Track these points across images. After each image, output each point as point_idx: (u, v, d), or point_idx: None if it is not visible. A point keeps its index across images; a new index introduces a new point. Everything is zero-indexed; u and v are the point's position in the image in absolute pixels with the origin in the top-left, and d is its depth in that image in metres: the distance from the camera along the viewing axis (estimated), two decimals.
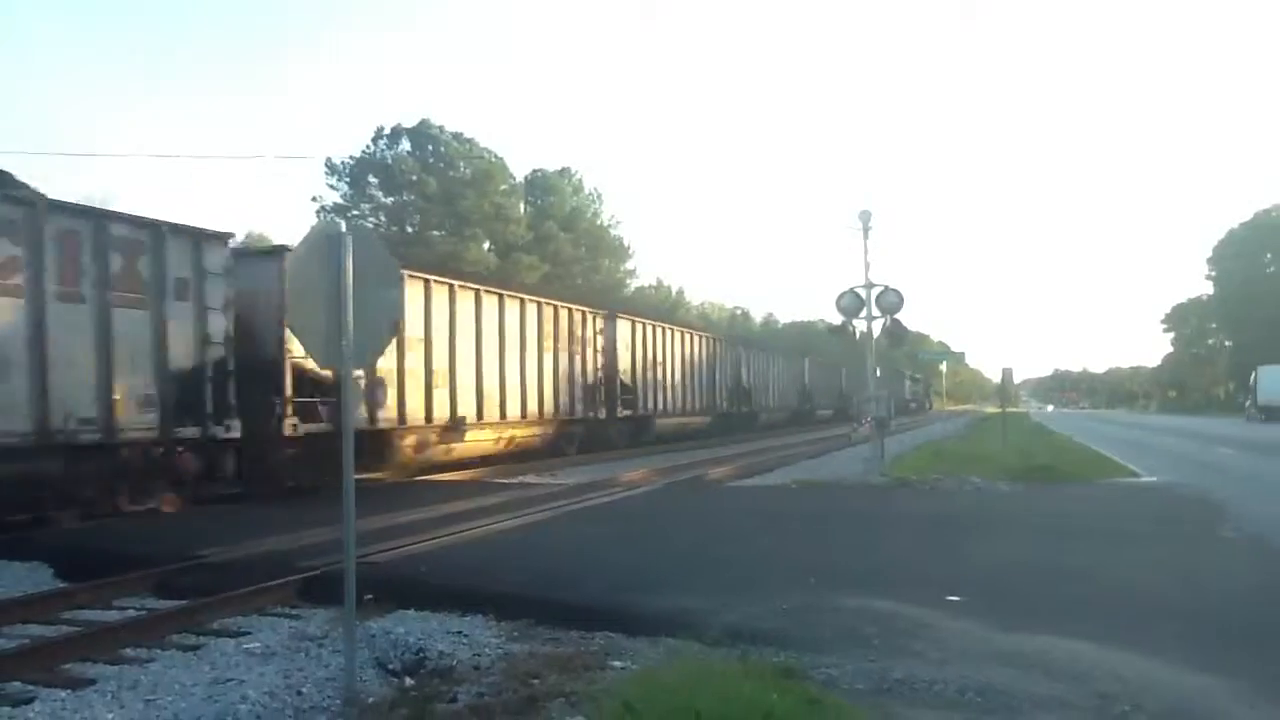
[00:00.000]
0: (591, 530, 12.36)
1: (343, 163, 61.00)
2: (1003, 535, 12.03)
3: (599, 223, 69.86)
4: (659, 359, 31.30)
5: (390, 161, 60.08)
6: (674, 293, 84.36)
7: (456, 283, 21.03)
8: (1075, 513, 14.29)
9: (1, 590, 9.61)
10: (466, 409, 20.82)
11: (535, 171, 67.74)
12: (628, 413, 28.71)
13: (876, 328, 21.46)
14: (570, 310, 26.21)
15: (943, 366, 61.70)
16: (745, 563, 9.99)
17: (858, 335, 22.41)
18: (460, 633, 7.35)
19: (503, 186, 62.41)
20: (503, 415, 22.29)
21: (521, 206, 65.21)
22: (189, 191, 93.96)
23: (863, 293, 21.10)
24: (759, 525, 12.87)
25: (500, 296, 22.63)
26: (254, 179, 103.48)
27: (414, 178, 58.89)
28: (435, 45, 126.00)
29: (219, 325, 14.61)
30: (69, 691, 6.28)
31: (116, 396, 13.12)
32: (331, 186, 61.18)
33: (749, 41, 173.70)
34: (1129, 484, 19.47)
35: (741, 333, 61.20)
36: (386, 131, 60.83)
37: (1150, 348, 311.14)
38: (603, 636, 7.25)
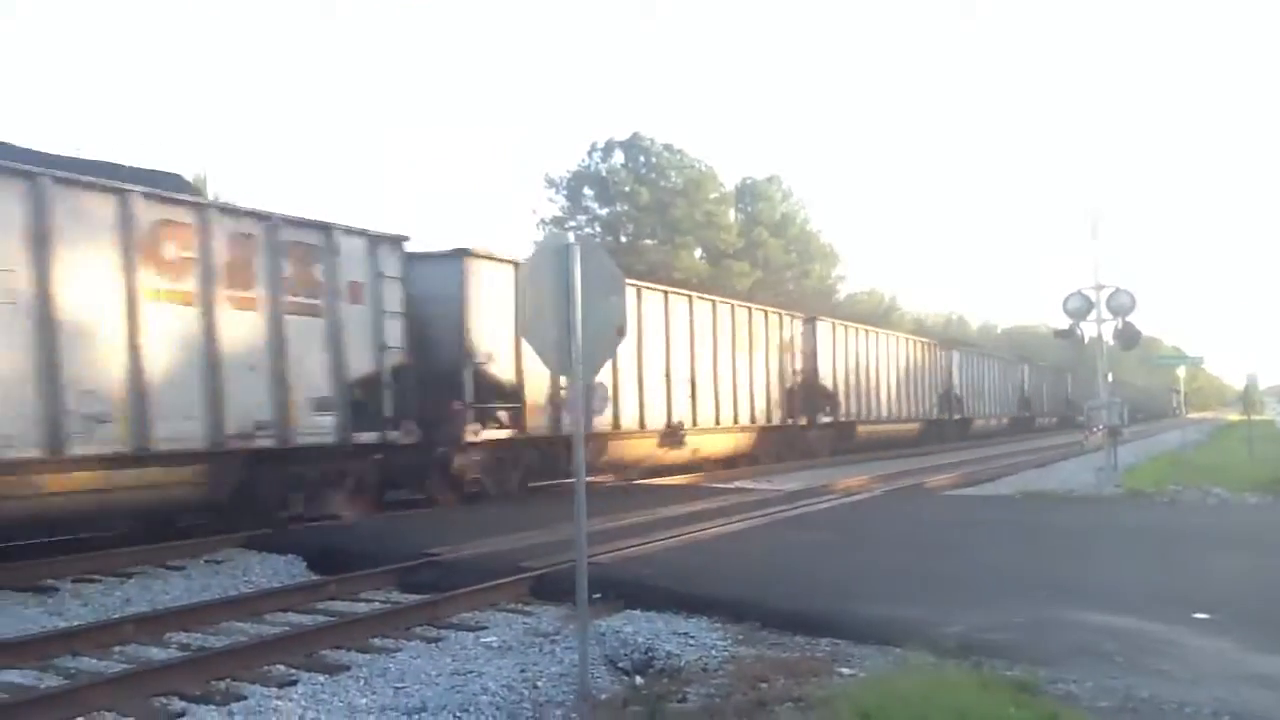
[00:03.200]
0: (811, 536, 12.29)
1: (560, 177, 62.88)
2: (1253, 551, 11.24)
3: (809, 228, 69.27)
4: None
5: (605, 174, 61.39)
6: (886, 299, 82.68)
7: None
8: None
9: (264, 580, 10.51)
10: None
11: (745, 179, 67.81)
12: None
13: (1107, 331, 20.50)
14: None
15: (1180, 372, 58.22)
16: (971, 573, 9.73)
17: (1086, 339, 21.46)
18: (686, 634, 7.47)
19: (713, 195, 62.72)
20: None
21: (731, 214, 65.32)
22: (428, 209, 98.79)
23: (1091, 294, 20.16)
24: (984, 536, 12.49)
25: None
26: (480, 194, 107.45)
27: (627, 189, 59.94)
28: (647, 60, 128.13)
29: (395, 330, 14.51)
30: (326, 676, 6.74)
31: (292, 400, 12.95)
32: (550, 200, 63.18)
33: (960, 41, 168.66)
34: None
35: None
36: (600, 145, 62.32)
37: None
38: (828, 643, 7.23)
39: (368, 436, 14.00)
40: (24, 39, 78.85)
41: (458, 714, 5.93)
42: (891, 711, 4.93)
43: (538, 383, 16.89)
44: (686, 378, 21.56)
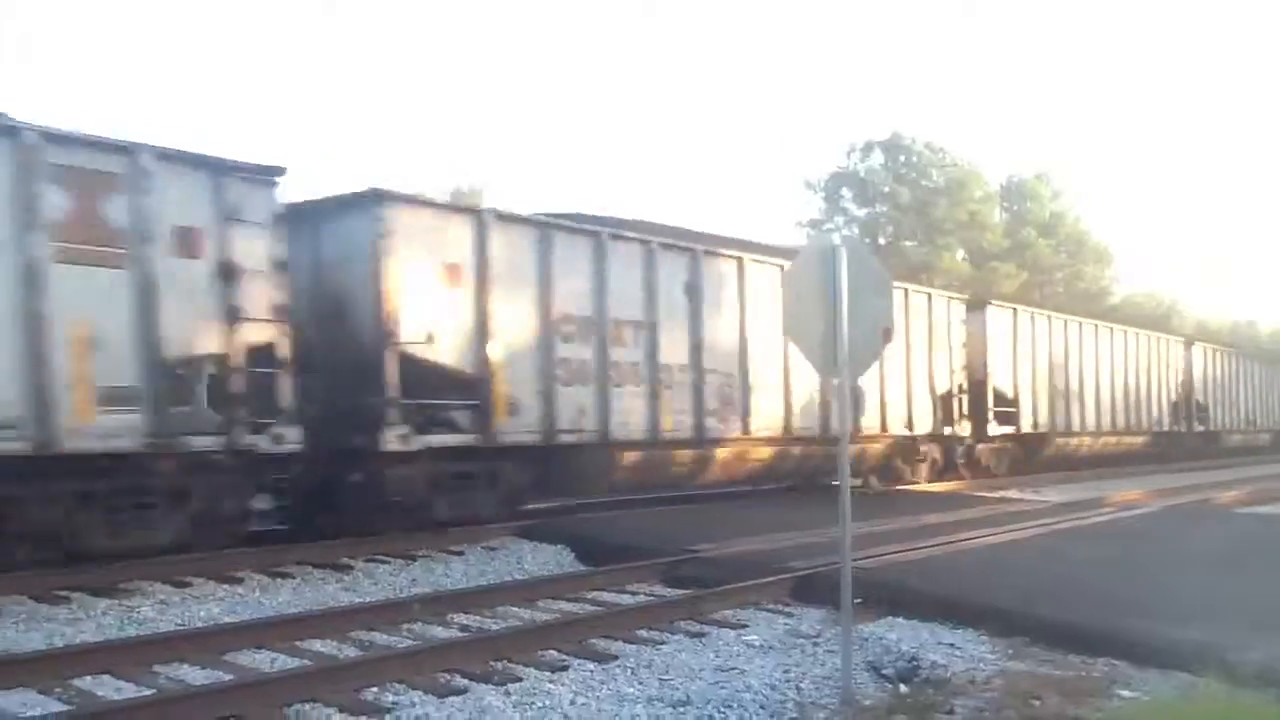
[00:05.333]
0: (1086, 550, 11.68)
1: (818, 179, 62.56)
2: None
3: (1080, 227, 65.83)
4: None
5: (863, 175, 60.59)
6: (1166, 302, 77.42)
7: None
8: None
9: (535, 568, 11.11)
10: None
11: (1011, 177, 65.24)
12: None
13: None
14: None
15: None
16: (1265, 597, 8.98)
17: None
18: (952, 645, 7.31)
19: (977, 194, 60.63)
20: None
21: (997, 213, 62.99)
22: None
23: None
24: None
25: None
26: (743, 197, 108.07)
27: (886, 189, 58.91)
28: (906, 58, 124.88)
29: (259, 296, 10.48)
30: (596, 664, 6.98)
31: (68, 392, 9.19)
32: (808, 202, 63.10)
33: (1235, 29, 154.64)
34: None
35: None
36: (859, 146, 61.55)
37: None
38: (1105, 663, 6.91)
39: (200, 442, 10.09)
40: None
41: (721, 709, 6.02)
42: None
43: (518, 372, 12.77)
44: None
